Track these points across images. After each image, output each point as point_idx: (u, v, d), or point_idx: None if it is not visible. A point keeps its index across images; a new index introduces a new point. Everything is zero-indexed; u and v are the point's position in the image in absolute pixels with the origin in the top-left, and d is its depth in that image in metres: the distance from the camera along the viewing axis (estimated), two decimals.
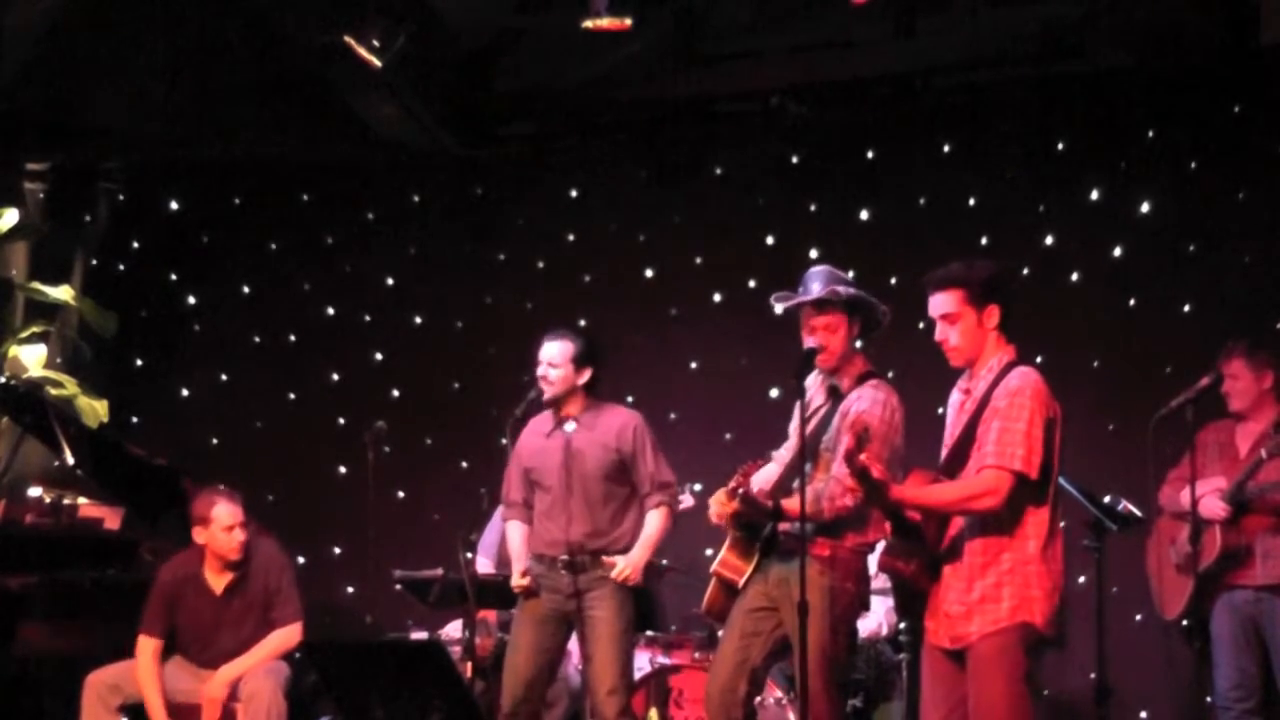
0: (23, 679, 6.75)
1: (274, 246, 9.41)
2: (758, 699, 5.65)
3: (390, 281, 9.22)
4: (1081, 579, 6.47)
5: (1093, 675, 6.42)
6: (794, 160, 8.49)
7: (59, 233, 9.22)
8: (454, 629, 7.25)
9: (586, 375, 6.10)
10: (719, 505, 5.40)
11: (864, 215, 8.32)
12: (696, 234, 8.62)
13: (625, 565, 5.96)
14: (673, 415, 8.23)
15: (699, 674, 6.49)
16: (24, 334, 8.67)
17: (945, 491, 4.73)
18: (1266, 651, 6.16)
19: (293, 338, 9.36)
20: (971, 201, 8.09)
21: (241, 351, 9.35)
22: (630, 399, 7.10)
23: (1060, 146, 7.95)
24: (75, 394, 8.43)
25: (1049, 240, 7.92)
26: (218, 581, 6.47)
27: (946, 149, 8.20)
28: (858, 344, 5.45)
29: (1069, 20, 7.36)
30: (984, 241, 7.84)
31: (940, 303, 4.83)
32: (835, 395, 5.42)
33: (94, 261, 9.41)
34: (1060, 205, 7.92)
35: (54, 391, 8.26)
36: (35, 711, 6.77)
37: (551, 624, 6.05)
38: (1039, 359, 5.03)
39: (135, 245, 9.57)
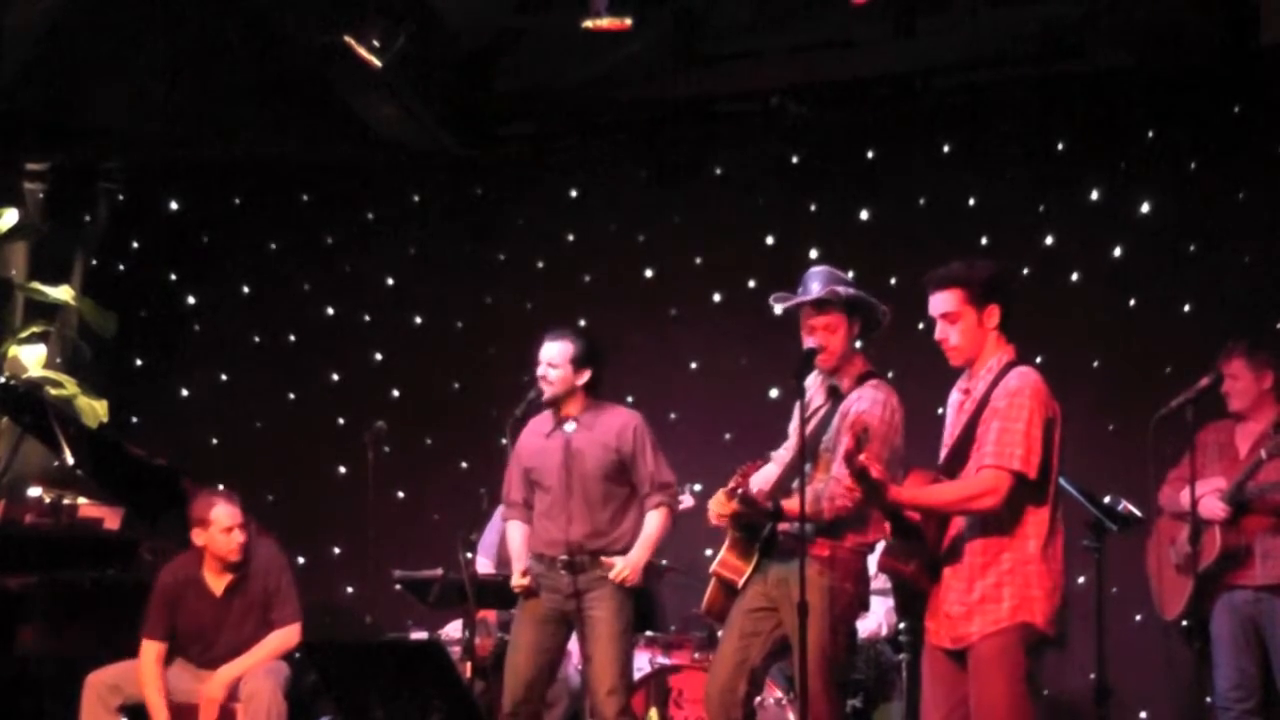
0: (22, 679, 6.75)
1: (274, 246, 9.41)
2: (757, 699, 5.65)
3: (390, 281, 9.22)
4: (1081, 579, 6.47)
5: (1092, 675, 6.41)
6: (794, 160, 8.49)
7: (59, 233, 9.22)
8: (454, 629, 7.25)
9: (586, 376, 6.09)
10: (718, 506, 5.39)
11: (864, 215, 8.32)
12: (696, 234, 8.62)
13: (624, 566, 5.96)
14: (672, 415, 8.23)
15: (699, 674, 6.49)
16: (24, 334, 8.67)
17: (944, 492, 4.73)
18: (1266, 652, 6.16)
19: (292, 338, 9.36)
20: (971, 201, 8.09)
21: (241, 351, 9.35)
22: (630, 399, 7.10)
23: (1060, 146, 7.95)
24: (75, 394, 8.43)
25: (1049, 240, 7.92)
26: (217, 583, 6.47)
27: (946, 149, 8.20)
28: (858, 344, 5.45)
29: (1069, 20, 7.36)
30: (984, 241, 7.84)
31: (940, 302, 4.82)
32: (835, 395, 5.42)
33: (94, 261, 9.41)
34: (1060, 205, 7.92)
35: (54, 391, 8.26)
36: (35, 712, 6.76)
37: (551, 624, 6.05)
38: (1039, 359, 5.02)
39: (135, 245, 9.57)
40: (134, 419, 9.21)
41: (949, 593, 4.76)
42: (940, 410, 5.02)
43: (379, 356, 9.18)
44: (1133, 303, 7.75)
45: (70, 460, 7.12)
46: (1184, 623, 6.27)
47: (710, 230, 8.57)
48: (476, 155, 8.88)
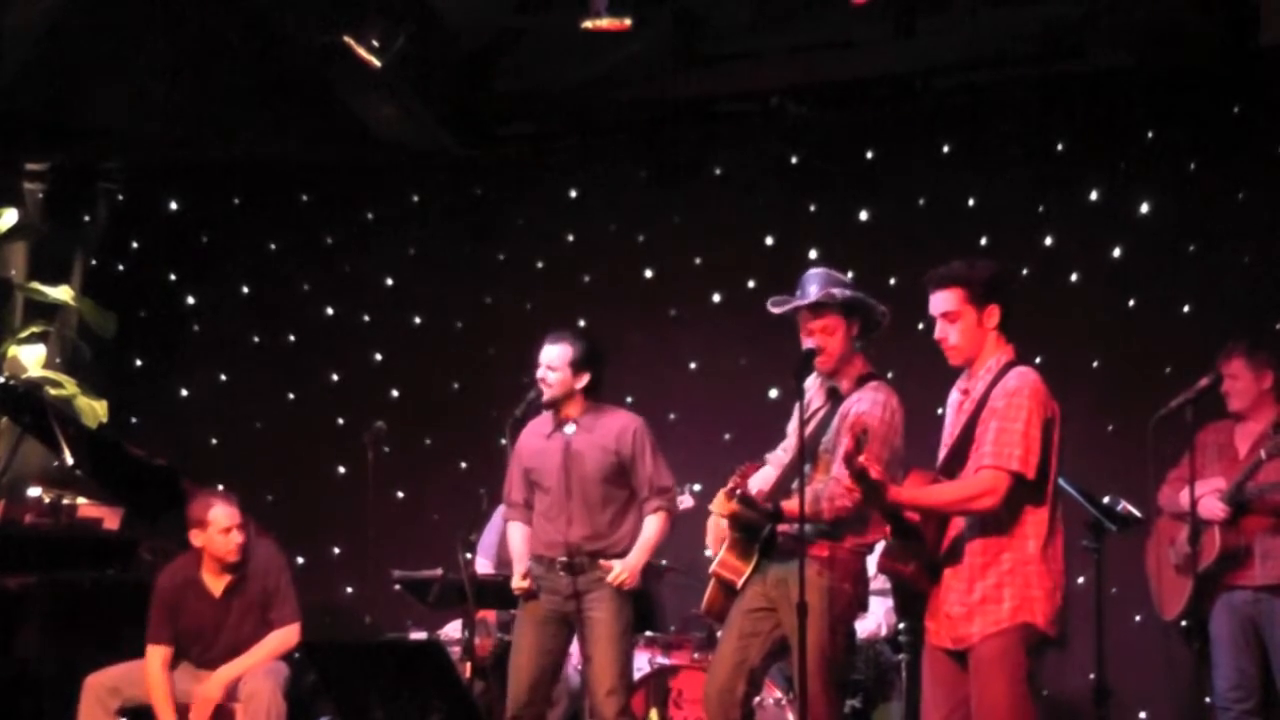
0: (22, 680, 6.74)
1: (273, 247, 9.41)
2: (756, 699, 5.65)
3: (390, 282, 9.22)
4: (1081, 579, 6.46)
5: (1092, 676, 6.41)
6: (793, 160, 8.49)
7: (58, 233, 9.22)
8: (453, 629, 7.25)
9: (585, 379, 6.08)
10: (718, 506, 5.39)
11: (863, 215, 8.32)
12: (696, 234, 8.62)
13: (622, 569, 5.96)
14: (672, 415, 8.23)
15: (698, 674, 6.49)
16: (23, 334, 8.67)
17: (943, 492, 4.73)
18: (1265, 652, 6.16)
19: (292, 338, 9.36)
20: (971, 202, 8.09)
21: (241, 352, 9.35)
22: (630, 399, 7.10)
23: (1060, 147, 7.95)
24: (74, 394, 8.43)
25: (1048, 240, 7.92)
26: (216, 584, 6.47)
27: (946, 149, 8.20)
28: (857, 345, 5.45)
29: (1069, 20, 7.37)
30: (983, 242, 7.84)
31: (940, 301, 4.83)
32: (835, 397, 5.42)
33: (93, 261, 9.41)
34: (1060, 205, 7.92)
35: (53, 391, 8.27)
36: (34, 713, 6.75)
37: (552, 625, 6.05)
38: (1038, 359, 5.02)
39: (135, 245, 9.57)
40: (134, 419, 9.20)
41: (949, 593, 4.76)
42: (940, 410, 5.02)
43: (379, 357, 9.18)
44: (1132, 303, 7.75)
45: (70, 460, 7.11)
46: (1183, 623, 6.27)
47: (710, 230, 8.57)
48: (476, 155, 8.88)
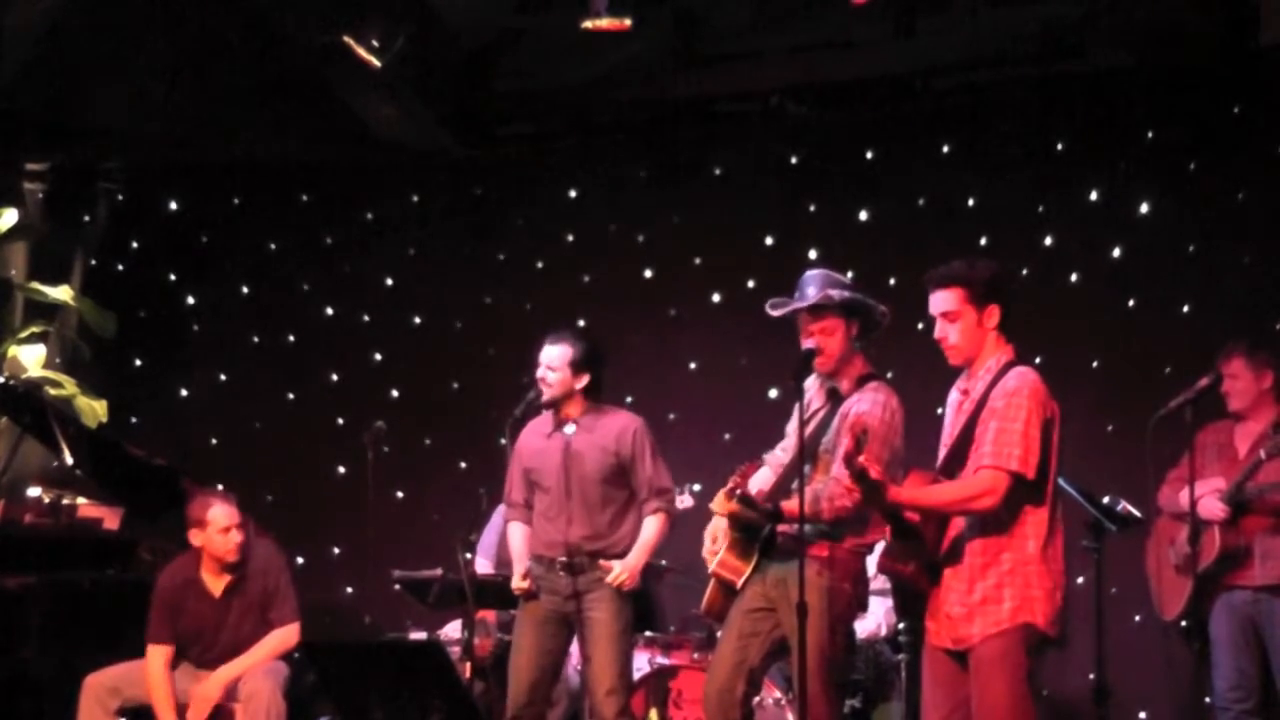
0: (21, 680, 6.74)
1: (273, 247, 9.41)
2: (756, 699, 5.65)
3: (389, 282, 9.22)
4: (1080, 579, 6.46)
5: (1091, 676, 6.41)
6: (793, 160, 8.49)
7: (58, 233, 9.23)
8: (453, 629, 7.25)
9: (585, 380, 6.08)
10: (719, 506, 5.39)
11: (863, 216, 8.32)
12: (696, 234, 8.62)
13: (621, 570, 5.95)
14: (672, 415, 8.23)
15: (698, 674, 6.49)
16: (23, 334, 8.67)
17: (943, 492, 4.73)
18: (1265, 652, 6.16)
19: (292, 338, 9.36)
20: (971, 202, 8.09)
21: (241, 352, 9.35)
22: (629, 399, 7.10)
23: (1060, 147, 7.95)
24: (74, 394, 8.44)
25: (1048, 240, 7.92)
26: (216, 584, 6.47)
27: (946, 149, 8.20)
28: (857, 345, 5.44)
29: (1069, 20, 7.37)
30: (983, 242, 7.84)
31: (940, 300, 4.83)
32: (835, 397, 5.42)
33: (93, 261, 9.41)
34: (1060, 205, 7.92)
35: (53, 391, 8.27)
36: (34, 713, 6.75)
37: (552, 625, 6.05)
38: (1038, 359, 5.02)
39: (134, 245, 9.57)
40: (133, 419, 9.20)
41: (949, 594, 4.76)
42: (939, 410, 5.02)
43: (378, 357, 9.18)
44: (1132, 303, 7.75)
45: (69, 460, 7.12)
46: (1183, 623, 6.27)
47: (710, 230, 8.57)
48: (476, 155, 8.88)
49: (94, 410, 8.43)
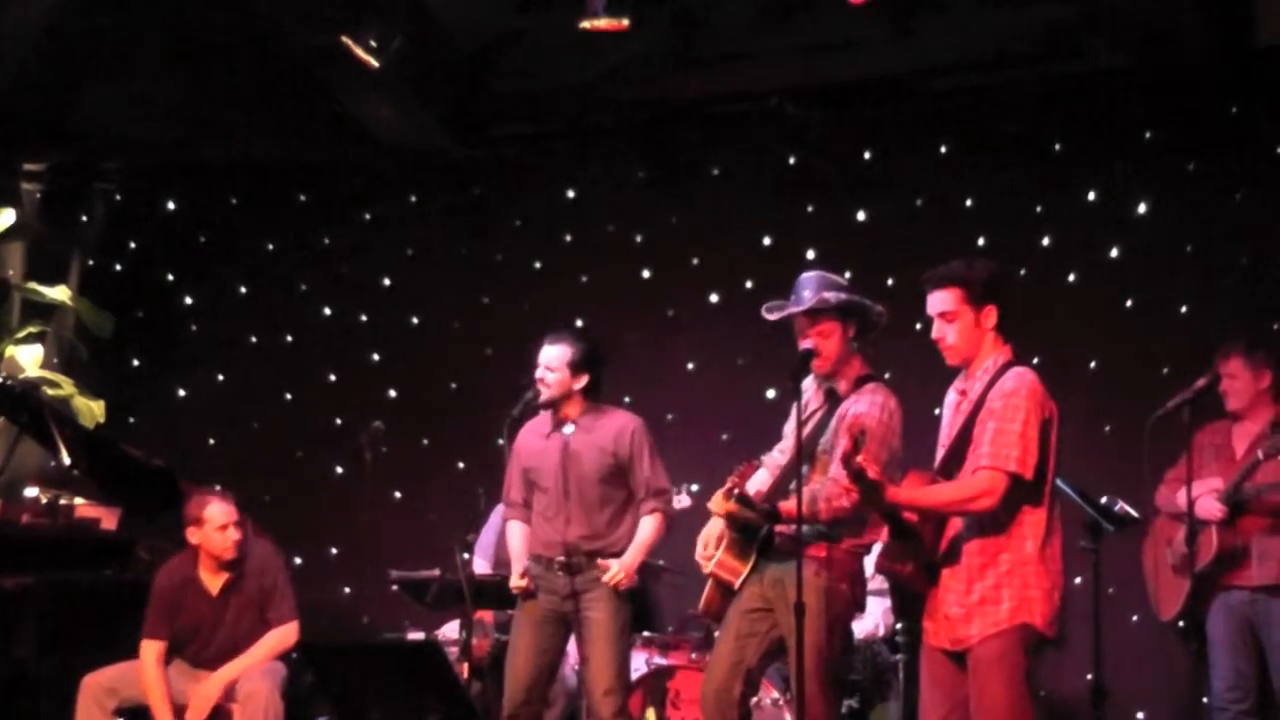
0: (19, 680, 6.74)
1: (271, 247, 9.41)
2: (754, 700, 5.65)
3: (387, 282, 9.22)
4: (1078, 580, 6.46)
5: (1089, 676, 6.42)
6: (791, 161, 8.48)
7: (55, 233, 9.23)
8: (451, 629, 7.25)
9: (584, 381, 6.08)
10: (717, 505, 5.39)
11: (861, 216, 8.32)
12: (694, 235, 8.62)
13: (618, 569, 5.95)
14: (670, 416, 8.22)
15: (695, 675, 6.48)
16: (20, 334, 8.67)
17: (941, 493, 4.73)
18: (1262, 652, 6.16)
19: (290, 338, 9.36)
20: (969, 202, 8.09)
21: (238, 352, 9.35)
22: (627, 399, 7.10)
23: (1058, 147, 7.95)
24: (72, 394, 8.44)
25: (1046, 241, 7.92)
26: (214, 582, 6.47)
27: (944, 149, 8.20)
28: (854, 346, 5.45)
29: (1067, 21, 7.36)
30: (981, 242, 7.84)
31: (938, 301, 4.83)
32: (833, 398, 5.42)
33: (90, 262, 9.42)
34: (1058, 206, 7.92)
35: (50, 392, 8.27)
36: (32, 713, 6.74)
37: (550, 625, 6.05)
38: (1036, 359, 5.03)
39: (132, 245, 9.57)
40: (131, 419, 9.20)
41: (947, 594, 4.76)
42: (937, 411, 5.02)
43: (376, 357, 9.18)
44: (1130, 303, 7.75)
45: (67, 460, 7.11)
46: (1180, 623, 6.27)
47: (708, 231, 8.57)
48: (474, 156, 8.88)
49: (91, 410, 8.44)
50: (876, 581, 6.01)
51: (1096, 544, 6.28)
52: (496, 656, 6.71)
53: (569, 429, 6.05)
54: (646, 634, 7.08)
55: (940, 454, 4.86)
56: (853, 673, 6.53)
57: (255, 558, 6.50)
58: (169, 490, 6.99)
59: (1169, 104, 7.67)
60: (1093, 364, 7.74)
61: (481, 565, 7.27)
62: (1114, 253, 7.82)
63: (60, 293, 8.75)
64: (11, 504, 7.50)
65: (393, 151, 8.64)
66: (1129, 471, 6.19)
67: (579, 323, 7.91)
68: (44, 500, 7.40)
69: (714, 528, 5.50)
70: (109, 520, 7.33)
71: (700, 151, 8.65)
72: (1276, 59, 7.25)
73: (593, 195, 8.86)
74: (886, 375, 5.59)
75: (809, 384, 5.51)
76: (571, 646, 6.20)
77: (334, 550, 8.99)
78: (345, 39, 7.46)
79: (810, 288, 5.38)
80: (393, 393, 9.02)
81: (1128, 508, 6.32)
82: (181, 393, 9.39)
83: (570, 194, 8.92)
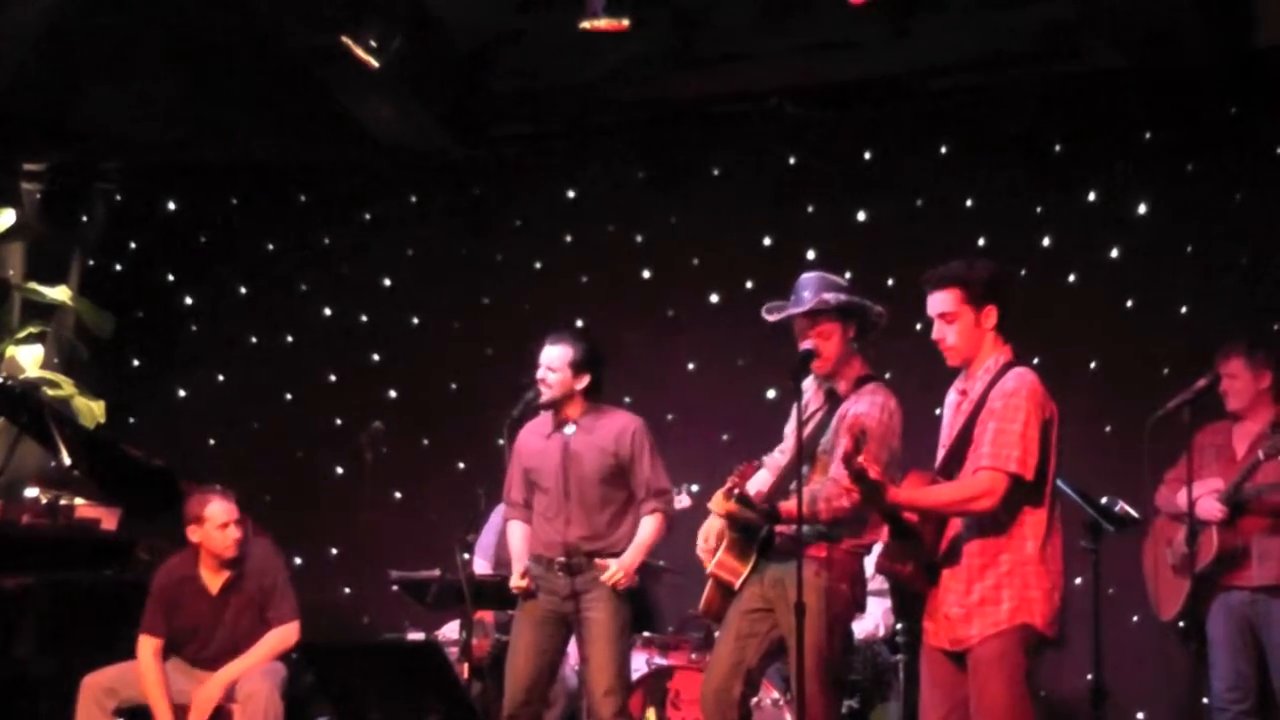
0: (19, 680, 6.74)
1: (271, 247, 9.41)
2: (754, 700, 5.65)
3: (387, 282, 9.22)
4: (1078, 580, 6.46)
5: (1089, 676, 6.42)
6: (791, 161, 8.48)
7: (56, 233, 9.23)
8: (451, 630, 7.25)
9: (585, 381, 6.07)
10: (717, 505, 5.39)
11: (861, 216, 8.32)
12: (694, 235, 8.62)
13: (617, 569, 5.94)
14: (670, 416, 8.22)
15: (695, 675, 6.48)
16: (21, 334, 8.68)
17: (941, 493, 4.73)
18: (1262, 652, 6.16)
19: (290, 338, 9.37)
20: (969, 202, 8.09)
21: (238, 352, 9.35)
22: (627, 399, 7.10)
23: (1057, 147, 7.95)
24: (72, 394, 8.44)
25: (1046, 241, 7.92)
26: (214, 581, 6.46)
27: (944, 150, 8.19)
28: (854, 346, 5.45)
29: (1066, 21, 7.36)
30: (981, 242, 7.84)
31: (938, 301, 4.83)
32: (833, 398, 5.42)
33: (91, 262, 9.42)
34: (1057, 206, 7.92)
35: (51, 392, 8.27)
36: (31, 713, 6.75)
37: (550, 625, 6.05)
38: (1036, 360, 5.03)
39: (132, 246, 9.57)
40: (131, 419, 9.20)
41: (947, 594, 4.76)
42: (937, 411, 5.02)
43: (376, 357, 9.18)
44: (1130, 303, 7.75)
45: (67, 461, 7.11)
46: (1180, 624, 6.27)
47: (708, 231, 8.56)
48: (474, 156, 8.88)
49: (91, 410, 8.44)
50: (876, 581, 6.01)
51: (1096, 544, 6.28)
52: (496, 657, 6.71)
53: (570, 429, 6.05)
54: (646, 634, 7.08)
55: (941, 454, 4.86)
56: (853, 673, 6.53)
57: (255, 557, 6.50)
58: (169, 490, 6.98)
59: (1169, 104, 7.67)
60: (1093, 364, 7.73)
61: (482, 565, 7.27)
62: (1114, 253, 7.82)
63: (60, 293, 8.76)
64: (11, 504, 7.51)
65: (392, 151, 8.64)
66: (1129, 472, 6.19)
67: (579, 323, 7.91)
68: (44, 500, 7.40)
69: (715, 522, 5.51)
70: (109, 520, 7.33)
71: (700, 151, 8.65)
72: (1276, 59, 7.25)
73: (593, 195, 8.86)
74: (887, 375, 5.60)
75: (809, 384, 5.51)
76: (572, 647, 6.20)
77: (334, 550, 8.99)
78: (345, 39, 7.46)
79: (810, 288, 5.39)
80: (393, 393, 9.02)
81: (1128, 508, 6.32)
82: (181, 393, 9.39)
83: (570, 194, 8.92)
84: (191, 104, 8.30)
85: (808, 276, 5.47)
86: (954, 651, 4.75)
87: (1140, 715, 7.52)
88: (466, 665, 6.32)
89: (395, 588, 7.04)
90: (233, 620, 6.43)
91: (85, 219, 9.44)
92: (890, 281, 7.44)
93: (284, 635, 6.44)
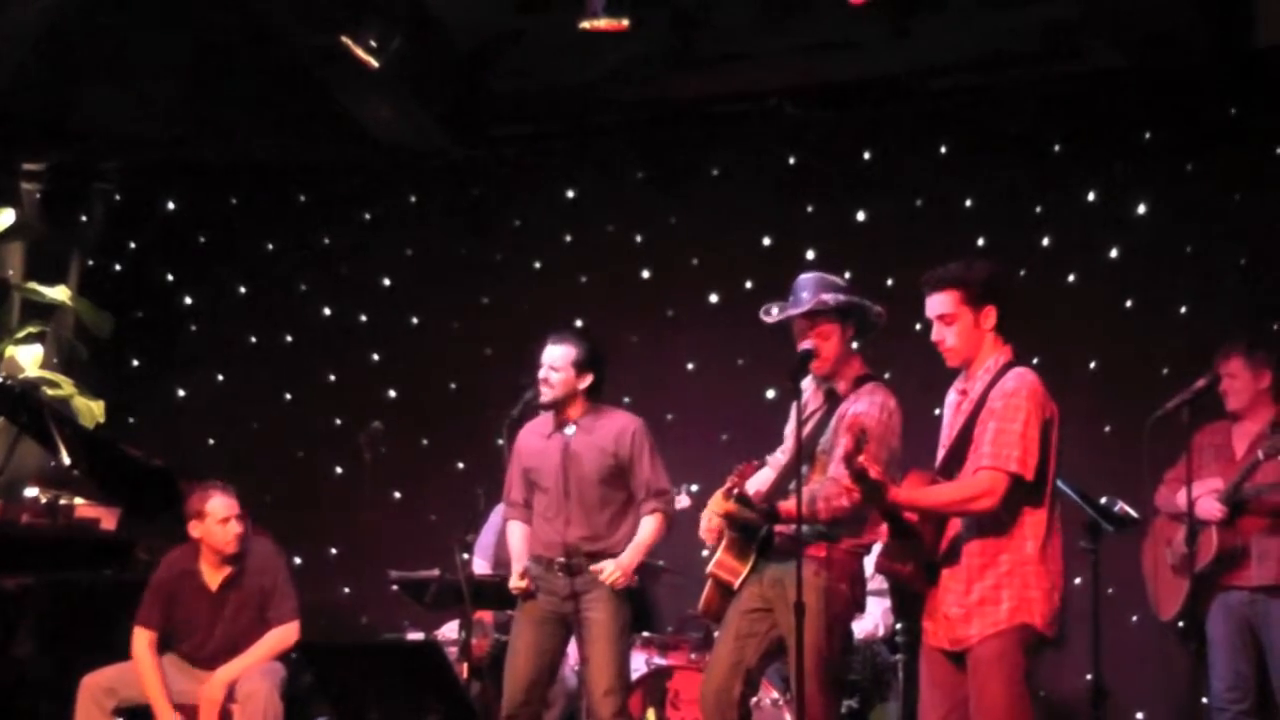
0: (18, 680, 6.74)
1: (270, 247, 9.41)
2: (753, 700, 5.65)
3: (387, 282, 9.22)
4: (1077, 580, 6.46)
5: (1089, 676, 6.42)
6: (791, 161, 8.49)
7: (55, 233, 9.23)
8: (450, 630, 7.25)
9: (588, 380, 6.07)
10: (716, 506, 5.39)
11: (861, 216, 8.32)
12: (693, 235, 8.62)
13: (615, 568, 5.94)
14: (669, 416, 8.22)
15: (695, 675, 6.48)
16: (20, 334, 8.67)
17: (942, 493, 4.73)
18: (1261, 652, 6.17)
19: (289, 338, 9.36)
20: (968, 202, 8.09)
21: (238, 352, 9.35)
22: (627, 400, 7.10)
23: (1057, 148, 7.95)
24: (71, 394, 8.44)
25: (1045, 241, 7.92)
26: (213, 577, 6.46)
27: (943, 150, 8.20)
28: (854, 345, 5.45)
29: (1066, 21, 7.36)
30: (980, 242, 7.84)
31: (937, 303, 4.82)
32: (832, 398, 5.42)
33: (90, 262, 9.41)
34: (1057, 206, 7.92)
35: (50, 392, 8.27)
36: (31, 713, 6.75)
37: (550, 625, 6.04)
38: (1035, 360, 5.02)
39: (131, 245, 9.57)
40: (131, 419, 9.19)
41: (947, 594, 4.76)
42: (937, 411, 5.02)
43: (376, 357, 9.18)
44: (1129, 303, 7.75)
45: (66, 460, 7.11)
46: (1180, 624, 6.27)
47: (707, 231, 8.57)
48: (474, 156, 8.88)
49: (91, 410, 8.43)
50: (876, 581, 6.01)
51: (1096, 544, 6.28)
52: (496, 657, 6.71)
53: (570, 430, 6.04)
54: (646, 634, 7.08)
55: (941, 454, 4.86)
56: (852, 673, 6.53)
57: (256, 555, 6.50)
58: (168, 490, 6.99)
59: (1168, 104, 7.67)
60: (1093, 364, 7.74)
61: (481, 565, 7.26)
62: (1114, 253, 7.82)
63: (60, 293, 8.75)
64: (11, 504, 7.50)
65: (392, 151, 8.64)
66: (1129, 472, 6.20)
67: (578, 323, 7.91)
68: (44, 500, 7.40)
69: (716, 503, 5.49)
70: (109, 520, 7.33)
71: (700, 151, 8.65)
72: (1276, 59, 7.25)
73: (592, 195, 8.86)
74: (886, 375, 5.60)
75: (808, 384, 5.51)
76: (571, 647, 6.20)
77: (333, 550, 8.99)
78: (345, 39, 7.46)
79: (808, 289, 5.39)
80: (392, 393, 9.02)
81: (1127, 508, 6.32)
82: (181, 393, 9.39)
83: (570, 194, 8.92)
84: (191, 104, 8.30)
85: (806, 277, 5.47)
86: (953, 651, 4.75)
87: (1140, 715, 7.52)
88: (466, 665, 6.31)
89: (394, 588, 7.04)
90: (231, 617, 6.43)
91: (85, 219, 9.44)
92: (890, 281, 7.44)
93: (283, 635, 6.44)
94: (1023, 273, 7.66)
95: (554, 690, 6.60)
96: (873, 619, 6.85)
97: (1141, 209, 7.78)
